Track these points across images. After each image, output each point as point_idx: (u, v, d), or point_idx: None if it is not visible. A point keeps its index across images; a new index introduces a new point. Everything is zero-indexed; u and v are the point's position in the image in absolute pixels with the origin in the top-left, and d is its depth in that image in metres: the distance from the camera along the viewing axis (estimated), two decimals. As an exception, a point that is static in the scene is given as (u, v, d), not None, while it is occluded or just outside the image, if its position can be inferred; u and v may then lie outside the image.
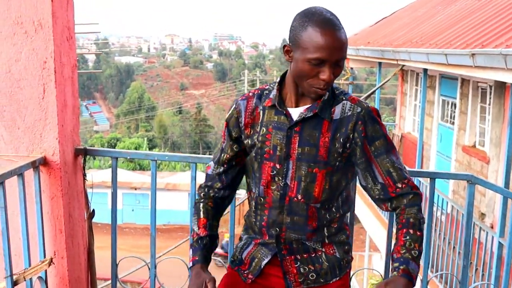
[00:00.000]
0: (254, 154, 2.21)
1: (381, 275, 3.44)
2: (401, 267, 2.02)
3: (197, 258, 2.22)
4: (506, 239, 3.69)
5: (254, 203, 2.28)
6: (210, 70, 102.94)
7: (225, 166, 2.31)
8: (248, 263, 2.32)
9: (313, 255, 2.25)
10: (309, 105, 2.13)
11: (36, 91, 2.95)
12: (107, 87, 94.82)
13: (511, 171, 6.85)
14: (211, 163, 2.36)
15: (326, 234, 2.25)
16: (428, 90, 11.63)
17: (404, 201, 2.16)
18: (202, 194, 2.37)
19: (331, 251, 2.27)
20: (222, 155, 2.30)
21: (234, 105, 2.26)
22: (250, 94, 2.26)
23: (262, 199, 2.23)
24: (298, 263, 2.25)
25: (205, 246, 2.26)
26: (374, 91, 10.19)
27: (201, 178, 2.57)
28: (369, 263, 14.41)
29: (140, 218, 31.55)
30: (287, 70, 2.18)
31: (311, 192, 2.17)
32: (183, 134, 63.72)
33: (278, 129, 2.16)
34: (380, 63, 11.60)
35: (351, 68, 14.45)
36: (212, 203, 2.35)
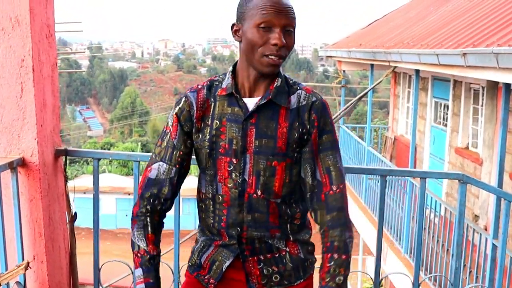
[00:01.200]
0: (208, 150, 2.07)
1: (371, 278, 3.36)
2: None
3: (151, 281, 2.08)
4: (499, 240, 3.62)
5: (211, 203, 2.12)
6: (203, 74, 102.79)
7: (177, 166, 2.11)
8: (208, 267, 2.19)
9: (276, 255, 2.15)
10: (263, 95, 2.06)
11: (13, 90, 2.86)
12: (101, 92, 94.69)
13: (504, 173, 6.78)
14: (160, 163, 2.12)
15: (289, 231, 2.16)
16: (420, 92, 11.58)
17: (327, 218, 2.06)
18: (148, 207, 2.12)
19: (296, 251, 2.18)
20: (175, 152, 2.10)
21: (184, 98, 2.10)
22: (199, 86, 2.13)
23: (220, 197, 2.09)
24: (262, 264, 2.15)
25: (157, 266, 2.10)
26: (366, 93, 10.10)
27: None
28: (363, 266, 14.34)
29: (134, 223, 31.40)
30: (238, 60, 2.12)
31: (271, 187, 2.07)
32: (177, 139, 63.34)
33: (233, 122, 2.04)
34: (372, 65, 11.54)
35: (344, 71, 14.39)
36: (158, 217, 2.15)
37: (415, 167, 10.92)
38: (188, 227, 28.38)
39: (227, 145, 2.05)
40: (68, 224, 3.32)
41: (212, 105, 2.08)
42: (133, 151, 46.51)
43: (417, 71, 9.07)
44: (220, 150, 2.05)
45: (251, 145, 2.03)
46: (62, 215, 3.24)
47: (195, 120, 2.08)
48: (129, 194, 32.07)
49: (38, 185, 2.93)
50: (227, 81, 2.08)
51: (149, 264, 2.08)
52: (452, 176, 3.29)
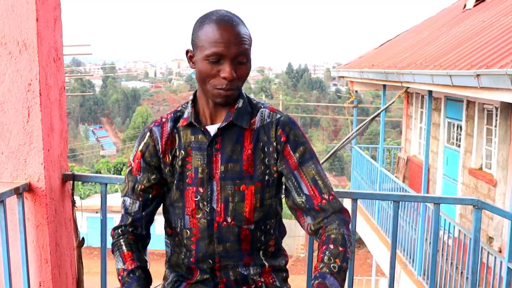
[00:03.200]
0: (175, 181, 2.01)
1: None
2: (316, 282, 1.75)
3: None
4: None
5: (180, 237, 2.05)
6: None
7: (140, 199, 2.05)
8: None
9: (253, 287, 2.06)
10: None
11: (20, 114, 2.82)
12: (114, 112, 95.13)
13: (519, 194, 6.70)
14: (125, 198, 2.08)
15: (263, 258, 2.07)
16: (433, 113, 11.51)
17: (324, 221, 1.92)
18: (119, 231, 2.07)
19: (271, 281, 2.09)
20: (136, 186, 2.04)
21: (148, 133, 2.04)
22: (163, 119, 2.06)
23: (188, 231, 2.01)
24: None
25: (139, 279, 1.96)
26: (379, 113, 10.04)
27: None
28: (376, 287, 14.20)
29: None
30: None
31: (241, 213, 1.97)
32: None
33: (198, 150, 1.98)
34: (384, 86, 11.48)
35: (356, 91, 14.35)
36: (133, 236, 2.06)
37: (428, 188, 10.82)
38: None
39: (193, 174, 1.98)
40: (75, 250, 3.27)
41: (177, 136, 2.02)
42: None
43: (430, 92, 9.01)
44: (187, 181, 1.99)
45: (217, 171, 1.97)
46: (69, 240, 3.19)
47: (161, 155, 2.02)
48: (141, 214, 32.06)
49: (44, 210, 2.89)
50: (188, 110, 2.02)
51: (129, 279, 1.94)
52: (467, 202, 3.20)
